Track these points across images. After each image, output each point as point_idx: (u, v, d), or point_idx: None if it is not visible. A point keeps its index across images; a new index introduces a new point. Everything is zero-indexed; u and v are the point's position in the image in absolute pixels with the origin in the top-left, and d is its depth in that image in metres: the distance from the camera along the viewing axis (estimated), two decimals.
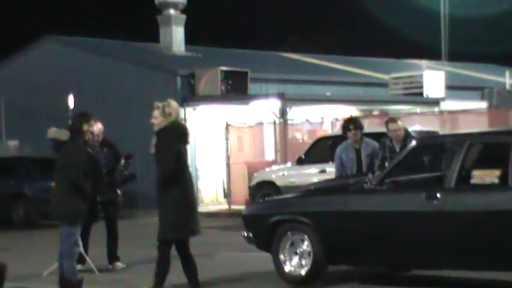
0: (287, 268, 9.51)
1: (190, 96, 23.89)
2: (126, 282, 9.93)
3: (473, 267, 8.71)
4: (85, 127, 8.78)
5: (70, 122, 9.39)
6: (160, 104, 8.49)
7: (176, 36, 27.53)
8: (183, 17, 27.67)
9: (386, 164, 10.70)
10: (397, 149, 10.94)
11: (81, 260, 10.36)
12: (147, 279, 10.40)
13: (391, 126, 11.06)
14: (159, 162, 8.35)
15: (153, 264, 11.97)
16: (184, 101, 23.72)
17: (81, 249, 9.55)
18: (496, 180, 8.37)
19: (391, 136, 11.10)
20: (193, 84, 23.89)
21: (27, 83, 26.61)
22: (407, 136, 11.07)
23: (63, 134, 9.50)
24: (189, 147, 26.91)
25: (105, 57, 25.86)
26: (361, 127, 11.52)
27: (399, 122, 11.13)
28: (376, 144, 11.38)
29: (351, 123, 11.51)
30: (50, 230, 11.24)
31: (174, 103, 8.53)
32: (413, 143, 9.72)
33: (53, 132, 9.74)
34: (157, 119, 8.53)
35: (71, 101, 18.51)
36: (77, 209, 8.41)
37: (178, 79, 23.94)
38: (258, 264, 10.86)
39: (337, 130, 16.87)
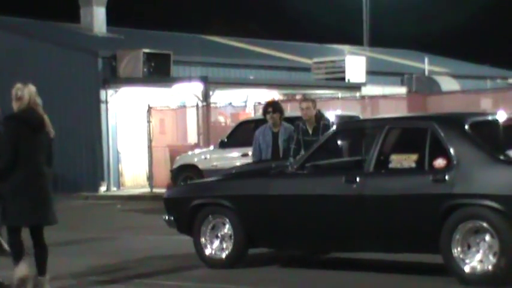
0: (208, 251, 9.53)
1: (111, 78, 23.61)
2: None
3: (390, 250, 8.86)
4: None
5: None
6: (16, 86, 8.05)
7: (97, 17, 27.12)
8: None
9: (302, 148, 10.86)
10: (310, 131, 11.05)
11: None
12: (65, 263, 10.30)
13: (301, 104, 11.23)
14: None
15: (70, 247, 11.91)
16: (105, 83, 23.45)
17: None
18: (414, 165, 8.52)
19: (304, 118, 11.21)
20: (114, 66, 23.61)
21: None
22: (320, 118, 11.19)
23: None
24: (110, 129, 26.46)
25: (24, 37, 25.30)
26: (280, 111, 11.63)
27: (310, 103, 11.19)
28: (293, 129, 11.50)
29: (269, 106, 11.67)
30: None
31: (30, 87, 8.00)
32: (334, 127, 9.83)
33: None
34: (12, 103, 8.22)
35: None
36: None
37: (100, 60, 23.62)
38: (179, 248, 10.85)
39: (260, 114, 16.93)
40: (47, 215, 8.02)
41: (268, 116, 11.57)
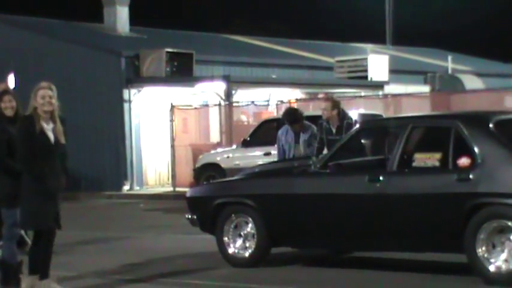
0: (231, 250, 9.53)
1: (135, 77, 23.70)
2: (68, 265, 9.85)
3: (414, 249, 8.83)
4: (2, 105, 8.56)
5: None
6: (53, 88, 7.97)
7: (121, 17, 27.22)
8: None
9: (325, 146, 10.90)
10: (333, 130, 11.06)
11: (22, 243, 10.21)
12: (89, 262, 10.36)
13: (322, 105, 11.24)
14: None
15: (94, 246, 11.98)
16: (128, 83, 23.53)
17: (22, 231, 9.40)
18: (437, 164, 8.48)
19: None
20: (137, 66, 23.69)
21: None
22: (344, 117, 11.19)
23: None
24: (133, 128, 26.51)
25: (48, 37, 25.45)
26: (297, 120, 11.69)
27: (329, 103, 11.20)
28: (313, 131, 11.57)
29: (286, 118, 11.80)
30: None
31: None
32: (357, 126, 9.81)
33: None
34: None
35: (11, 81, 18.20)
36: (10, 189, 8.26)
37: (123, 60, 23.71)
38: (202, 247, 10.86)
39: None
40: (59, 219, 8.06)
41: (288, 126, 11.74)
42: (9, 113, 8.49)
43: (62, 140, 7.92)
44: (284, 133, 11.77)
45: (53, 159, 7.87)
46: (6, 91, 8.87)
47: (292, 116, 11.82)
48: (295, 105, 22.31)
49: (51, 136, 7.86)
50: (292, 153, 11.57)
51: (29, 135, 7.76)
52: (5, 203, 8.37)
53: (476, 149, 8.17)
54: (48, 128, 7.85)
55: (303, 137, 11.57)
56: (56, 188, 7.91)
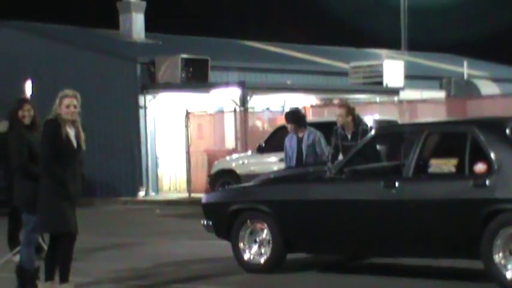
0: (246, 256, 9.54)
1: (150, 83, 23.78)
2: (83, 271, 9.88)
3: (430, 255, 8.81)
4: (20, 113, 8.72)
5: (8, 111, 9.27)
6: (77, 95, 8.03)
7: (136, 23, 27.34)
8: (143, 3, 27.49)
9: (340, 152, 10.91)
10: (349, 136, 11.07)
11: (38, 249, 10.26)
12: (104, 268, 10.38)
13: (336, 111, 11.32)
14: None
15: (109, 252, 12.00)
16: (144, 89, 23.61)
17: (40, 238, 9.45)
18: (453, 170, 8.46)
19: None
20: (153, 72, 23.77)
21: None
22: (359, 123, 11.19)
23: (3, 125, 9.45)
24: (149, 134, 26.54)
25: (64, 44, 25.59)
26: (301, 118, 11.78)
27: (343, 110, 11.22)
28: (318, 136, 11.62)
29: (288, 116, 11.91)
30: (4, 219, 11.12)
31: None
32: (372, 132, 9.79)
33: None
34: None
35: (28, 87, 18.31)
36: (33, 195, 8.32)
37: (138, 66, 23.80)
38: (218, 253, 10.87)
39: None
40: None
41: (288, 127, 11.86)
42: (27, 121, 8.70)
43: (83, 147, 8.01)
44: (289, 139, 11.85)
45: (74, 164, 7.94)
46: (26, 100, 9.05)
47: (293, 114, 11.89)
48: (310, 111, 22.33)
49: (74, 142, 7.95)
50: (295, 158, 11.61)
51: (54, 139, 7.83)
52: (26, 208, 8.44)
53: (492, 155, 8.15)
54: (71, 133, 7.93)
55: (306, 142, 11.61)
56: (76, 193, 7.97)
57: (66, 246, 7.96)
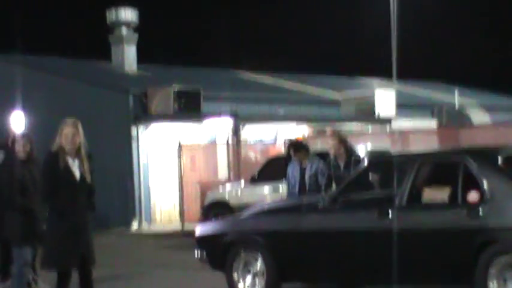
0: (241, 287, 9.51)
1: (143, 114, 23.80)
2: None
3: (425, 283, 8.80)
4: (16, 147, 8.75)
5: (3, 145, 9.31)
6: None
7: (128, 55, 27.45)
8: (135, 36, 27.62)
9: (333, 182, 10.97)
10: (341, 166, 11.12)
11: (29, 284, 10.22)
12: None
13: (329, 142, 11.37)
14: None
15: (106, 284, 11.93)
16: (136, 120, 23.63)
17: (30, 276, 9.39)
18: (447, 199, 8.49)
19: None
20: (145, 103, 23.81)
21: None
22: (352, 153, 11.26)
23: None
24: (141, 166, 26.35)
25: (56, 76, 25.64)
26: (303, 148, 11.85)
27: (336, 140, 11.32)
28: (320, 162, 11.61)
29: (291, 148, 11.96)
30: None
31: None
32: (365, 162, 9.83)
33: None
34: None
35: (16, 119, 18.25)
36: (24, 229, 8.30)
37: (131, 98, 23.84)
38: (212, 284, 10.83)
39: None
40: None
41: (293, 157, 11.85)
42: (21, 155, 8.72)
43: (88, 178, 7.90)
44: (292, 168, 11.88)
45: (77, 195, 7.83)
46: (24, 135, 9.08)
47: (295, 145, 11.96)
48: (303, 141, 22.38)
49: (77, 172, 7.86)
50: (297, 187, 11.64)
51: (52, 171, 7.76)
52: (16, 241, 8.42)
53: (485, 184, 8.19)
54: (73, 164, 7.84)
55: (308, 171, 11.63)
56: (81, 224, 7.85)
57: (82, 279, 7.89)
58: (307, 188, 11.58)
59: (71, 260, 7.80)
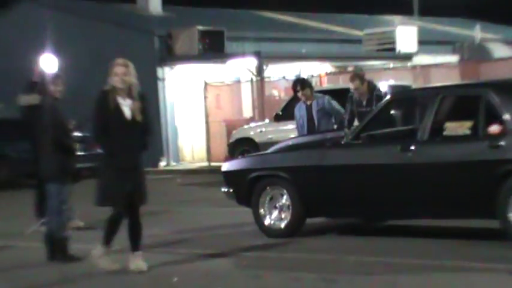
0: (267, 222, 9.72)
1: (167, 56, 23.95)
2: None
3: (447, 216, 8.97)
4: (52, 87, 8.93)
5: (39, 85, 9.52)
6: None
7: None
8: None
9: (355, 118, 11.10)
10: (364, 102, 11.26)
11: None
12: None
13: (351, 85, 11.44)
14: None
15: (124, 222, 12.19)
16: (162, 61, 23.80)
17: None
18: (468, 132, 8.60)
19: None
20: (170, 44, 23.94)
21: (3, 44, 26.50)
22: (373, 89, 11.37)
23: (34, 98, 9.72)
24: (168, 106, 26.62)
25: (82, 18, 25.77)
26: (309, 86, 11.95)
27: (357, 82, 11.35)
28: (326, 98, 11.80)
29: (297, 85, 11.96)
30: (31, 190, 11.36)
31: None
32: (387, 97, 9.96)
33: (24, 99, 9.93)
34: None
35: (44, 62, 18.43)
36: (64, 167, 8.59)
37: (156, 39, 23.98)
38: (239, 219, 11.05)
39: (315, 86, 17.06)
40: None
41: (299, 95, 11.89)
42: (58, 96, 8.96)
43: (138, 117, 7.76)
44: (298, 109, 12.00)
45: (128, 135, 7.75)
46: (59, 75, 9.28)
47: (299, 83, 12.01)
48: (325, 79, 22.49)
49: (127, 112, 7.77)
50: (306, 127, 11.78)
51: (103, 110, 7.74)
52: (55, 179, 8.69)
53: (507, 117, 8.27)
54: (124, 103, 7.76)
55: (315, 107, 11.78)
56: (131, 164, 7.79)
57: (130, 217, 7.95)
58: (315, 124, 11.68)
59: (120, 198, 7.83)
